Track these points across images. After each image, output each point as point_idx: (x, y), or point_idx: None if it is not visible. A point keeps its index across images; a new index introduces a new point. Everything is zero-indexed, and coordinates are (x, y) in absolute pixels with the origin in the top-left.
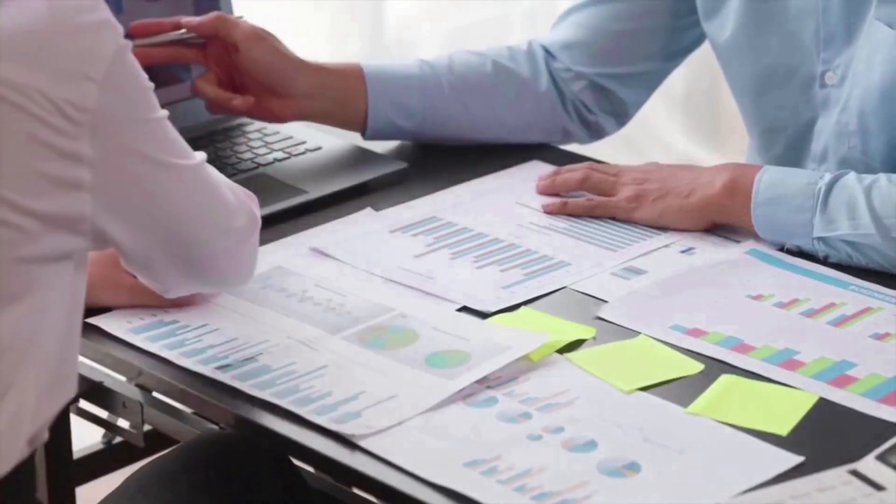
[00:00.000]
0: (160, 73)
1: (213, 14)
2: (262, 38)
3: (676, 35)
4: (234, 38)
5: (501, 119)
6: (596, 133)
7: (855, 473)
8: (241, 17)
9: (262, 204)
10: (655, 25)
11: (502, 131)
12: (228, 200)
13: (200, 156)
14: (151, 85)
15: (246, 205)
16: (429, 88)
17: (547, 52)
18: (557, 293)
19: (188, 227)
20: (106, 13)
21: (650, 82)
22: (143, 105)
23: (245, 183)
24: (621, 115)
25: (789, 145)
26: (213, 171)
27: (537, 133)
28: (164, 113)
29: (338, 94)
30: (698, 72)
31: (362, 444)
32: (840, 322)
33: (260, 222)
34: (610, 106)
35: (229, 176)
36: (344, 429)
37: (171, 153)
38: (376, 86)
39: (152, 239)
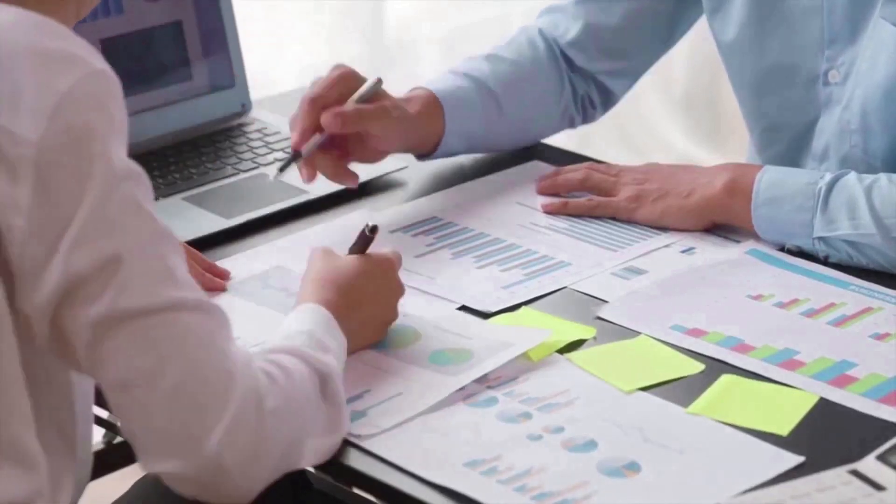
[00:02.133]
0: (157, 71)
1: (353, 111)
2: (392, 118)
3: (676, 23)
4: (372, 130)
5: (535, 129)
6: (585, 121)
7: (855, 473)
8: (377, 87)
9: (263, 204)
10: (659, 18)
11: (529, 139)
12: (219, 360)
13: (187, 294)
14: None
15: (250, 377)
16: (489, 114)
17: (560, 49)
18: (557, 293)
19: (153, 371)
20: (71, 45)
21: (644, 69)
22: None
23: (245, 183)
24: (610, 104)
25: (790, 143)
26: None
27: (553, 132)
28: (138, 196)
29: (423, 139)
30: (698, 72)
31: (362, 443)
32: (840, 322)
33: (271, 406)
34: (604, 97)
35: (229, 176)
36: (350, 428)
37: (119, 243)
38: (453, 121)
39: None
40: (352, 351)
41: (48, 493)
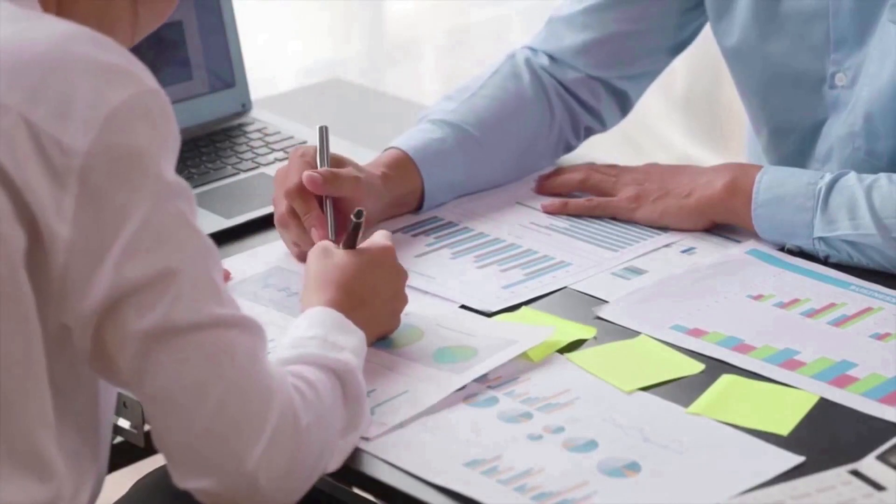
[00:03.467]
0: (157, 70)
1: (325, 172)
2: (365, 186)
3: (685, 28)
4: (344, 193)
5: (525, 165)
6: (591, 135)
7: (855, 473)
8: (347, 167)
9: (263, 204)
10: (666, 23)
11: (520, 175)
12: (261, 378)
13: (231, 311)
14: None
15: (287, 395)
16: (469, 160)
17: (554, 61)
18: (557, 293)
19: (189, 389)
20: (126, 62)
21: (655, 76)
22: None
23: (245, 183)
24: (628, 107)
25: (799, 145)
26: (253, 338)
27: (547, 163)
28: (187, 213)
29: (401, 198)
30: (698, 72)
31: (363, 444)
32: (840, 322)
33: (305, 423)
34: (619, 108)
35: (229, 176)
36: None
37: (173, 256)
38: (431, 176)
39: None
40: (369, 343)
41: (68, 498)
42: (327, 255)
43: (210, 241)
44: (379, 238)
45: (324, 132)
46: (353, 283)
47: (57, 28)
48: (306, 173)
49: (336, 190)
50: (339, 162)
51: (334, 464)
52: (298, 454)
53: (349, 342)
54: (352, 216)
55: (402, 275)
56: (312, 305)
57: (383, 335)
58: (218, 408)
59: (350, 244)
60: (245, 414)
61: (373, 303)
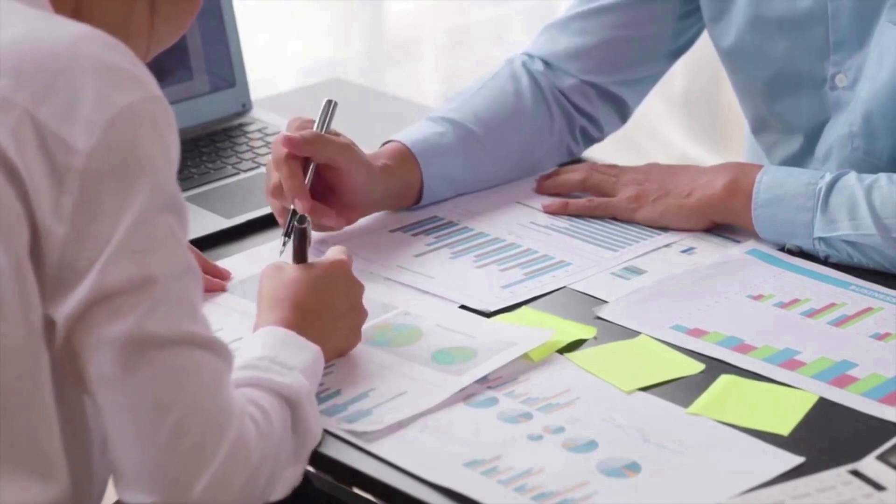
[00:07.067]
0: (157, 70)
1: (309, 134)
2: (357, 155)
3: (681, 34)
4: (339, 161)
5: (527, 164)
6: (591, 142)
7: (855, 473)
8: (338, 135)
9: (263, 204)
10: (661, 29)
11: (523, 174)
12: (221, 404)
13: (203, 332)
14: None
15: (243, 427)
16: (471, 155)
17: (548, 66)
18: (557, 293)
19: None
20: (136, 69)
21: (653, 82)
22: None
23: (245, 183)
24: (623, 120)
25: (800, 146)
26: (217, 358)
27: (550, 164)
28: (176, 227)
29: (400, 190)
30: (698, 72)
31: (363, 444)
32: (840, 322)
33: (256, 459)
34: (617, 115)
35: (229, 176)
36: (356, 427)
37: (155, 266)
38: (431, 167)
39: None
40: (329, 359)
41: (71, 499)
42: (279, 272)
43: (194, 263)
44: (333, 252)
45: (330, 106)
46: (306, 298)
47: (70, 29)
48: (282, 133)
49: (316, 153)
50: (336, 136)
51: (276, 495)
52: (246, 489)
53: (300, 359)
54: (294, 221)
55: (358, 287)
56: (263, 325)
57: (344, 352)
58: (175, 430)
59: (300, 257)
60: (200, 439)
61: (329, 318)
